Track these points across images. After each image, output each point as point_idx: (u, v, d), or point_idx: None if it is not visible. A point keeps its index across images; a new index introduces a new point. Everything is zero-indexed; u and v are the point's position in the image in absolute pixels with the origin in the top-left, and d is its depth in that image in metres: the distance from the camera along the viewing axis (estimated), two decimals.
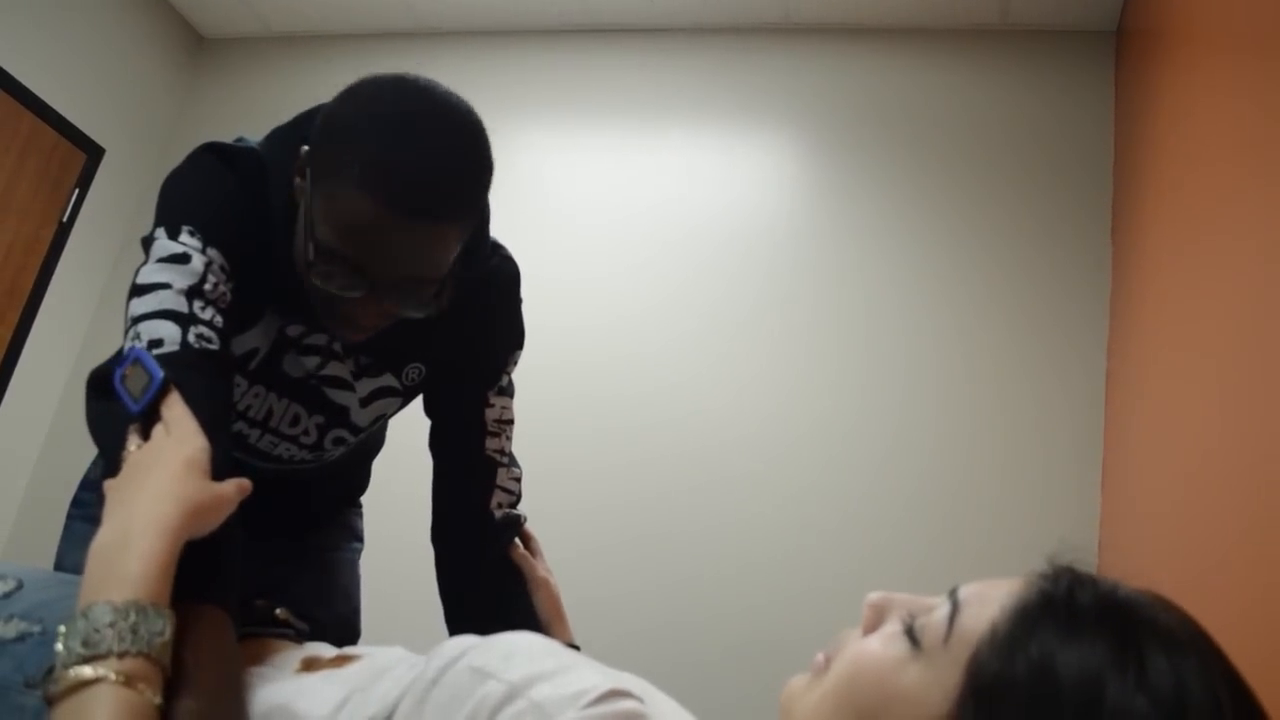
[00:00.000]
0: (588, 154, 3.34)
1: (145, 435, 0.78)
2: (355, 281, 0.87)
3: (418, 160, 0.84)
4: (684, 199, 3.17)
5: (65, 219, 3.40)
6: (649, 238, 3.15)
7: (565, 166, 3.32)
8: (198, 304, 0.88)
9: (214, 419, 0.84)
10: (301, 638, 0.90)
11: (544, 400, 2.87)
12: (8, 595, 0.79)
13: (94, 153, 3.48)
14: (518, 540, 1.12)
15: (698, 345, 2.98)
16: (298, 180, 0.93)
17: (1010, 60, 3.06)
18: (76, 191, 3.43)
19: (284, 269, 0.96)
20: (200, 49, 3.91)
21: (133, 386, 0.80)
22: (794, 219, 3.07)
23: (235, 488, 0.77)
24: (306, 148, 0.91)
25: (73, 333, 3.45)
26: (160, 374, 0.80)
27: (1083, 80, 2.95)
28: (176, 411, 0.79)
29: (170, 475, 0.73)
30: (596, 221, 3.22)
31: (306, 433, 1.11)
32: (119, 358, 0.85)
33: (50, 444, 3.36)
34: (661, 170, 3.23)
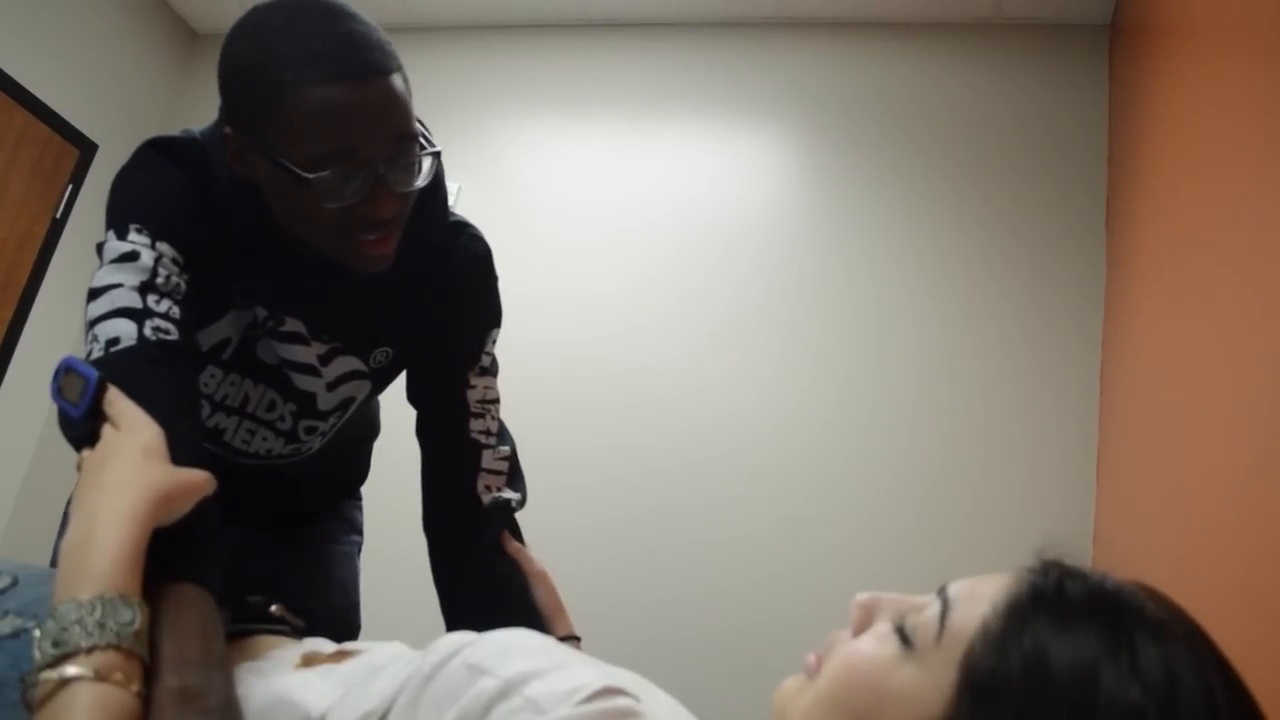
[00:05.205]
0: (580, 148, 3.33)
1: (97, 438, 0.77)
2: (359, 174, 0.86)
3: (331, 35, 0.85)
4: (677, 193, 3.16)
5: (58, 215, 3.40)
6: (639, 231, 3.15)
7: (556, 160, 3.32)
8: (152, 298, 0.88)
9: (175, 405, 0.83)
10: (298, 634, 0.90)
11: (525, 383, 2.88)
12: (3, 591, 0.79)
13: (87, 148, 3.47)
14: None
15: (685, 338, 2.99)
16: (237, 166, 0.92)
17: (1004, 54, 3.06)
18: (70, 187, 3.42)
19: (245, 251, 0.97)
20: (193, 44, 3.90)
21: (70, 394, 0.79)
22: (786, 213, 3.07)
23: (204, 477, 0.76)
24: (227, 128, 0.92)
25: (67, 328, 3.43)
26: (94, 374, 0.79)
27: (1077, 74, 2.95)
28: (120, 405, 0.78)
29: (129, 466, 0.72)
30: (587, 214, 3.21)
31: (282, 419, 1.11)
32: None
33: (45, 440, 3.35)
34: (654, 164, 3.23)
